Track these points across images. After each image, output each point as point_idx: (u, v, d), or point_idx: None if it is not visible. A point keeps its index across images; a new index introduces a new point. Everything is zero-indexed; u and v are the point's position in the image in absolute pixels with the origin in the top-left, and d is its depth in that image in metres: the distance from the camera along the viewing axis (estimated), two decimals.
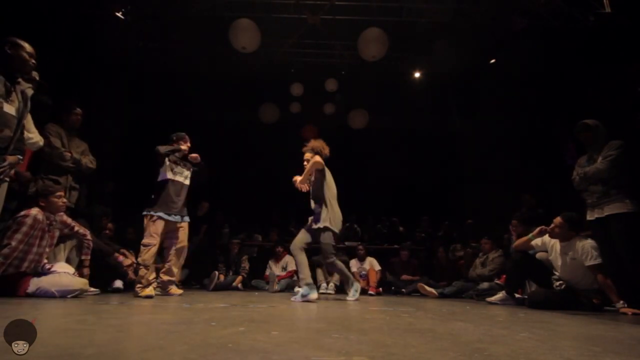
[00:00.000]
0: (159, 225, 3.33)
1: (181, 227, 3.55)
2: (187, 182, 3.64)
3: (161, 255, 3.65)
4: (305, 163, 3.66)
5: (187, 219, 3.62)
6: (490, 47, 6.31)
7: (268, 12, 5.81)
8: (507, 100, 6.37)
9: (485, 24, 5.79)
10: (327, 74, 7.26)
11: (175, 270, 3.56)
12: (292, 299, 3.30)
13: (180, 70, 7.01)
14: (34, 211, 2.86)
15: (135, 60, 6.60)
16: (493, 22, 5.72)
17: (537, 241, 3.35)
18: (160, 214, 3.35)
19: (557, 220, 3.15)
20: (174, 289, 3.52)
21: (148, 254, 3.24)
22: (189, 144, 3.64)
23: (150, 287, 3.21)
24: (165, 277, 3.52)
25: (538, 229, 3.29)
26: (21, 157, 2.42)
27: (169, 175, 3.48)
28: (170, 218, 3.42)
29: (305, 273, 3.33)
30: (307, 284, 3.24)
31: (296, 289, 4.04)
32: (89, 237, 3.34)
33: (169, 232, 3.51)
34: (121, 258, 3.83)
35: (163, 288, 3.51)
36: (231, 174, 7.62)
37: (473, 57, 6.57)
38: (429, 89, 7.38)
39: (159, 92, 7.23)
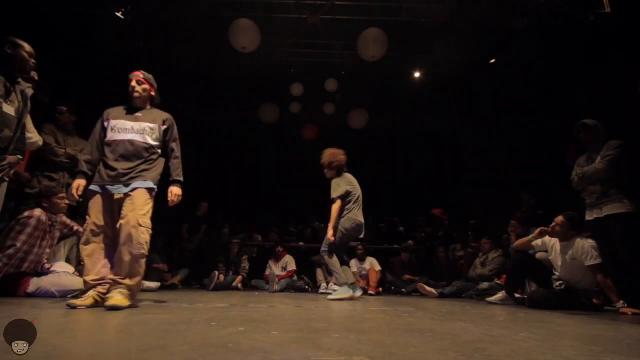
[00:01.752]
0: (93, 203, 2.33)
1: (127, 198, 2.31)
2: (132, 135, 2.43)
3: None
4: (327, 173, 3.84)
5: (138, 184, 2.31)
6: (490, 47, 6.31)
7: (268, 12, 5.81)
8: (507, 100, 6.37)
9: (485, 24, 5.79)
10: (327, 74, 7.27)
11: (126, 266, 2.19)
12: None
13: (180, 70, 7.01)
14: (38, 212, 2.87)
15: (135, 60, 6.60)
16: (493, 22, 5.72)
17: (537, 241, 3.35)
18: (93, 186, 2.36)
19: (559, 218, 3.15)
20: (115, 298, 2.09)
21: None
22: (134, 85, 2.55)
23: (88, 294, 2.18)
24: (109, 277, 2.27)
25: (538, 230, 3.29)
26: (21, 157, 2.42)
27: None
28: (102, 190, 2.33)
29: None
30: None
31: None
32: None
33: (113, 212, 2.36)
34: None
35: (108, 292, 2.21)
36: (231, 174, 7.63)
37: (473, 57, 6.57)
38: (429, 89, 7.38)
39: (159, 92, 7.23)
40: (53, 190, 3.09)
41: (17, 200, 3.22)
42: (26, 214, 2.84)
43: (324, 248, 3.61)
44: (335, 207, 3.59)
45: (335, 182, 3.70)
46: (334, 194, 3.64)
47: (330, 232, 3.56)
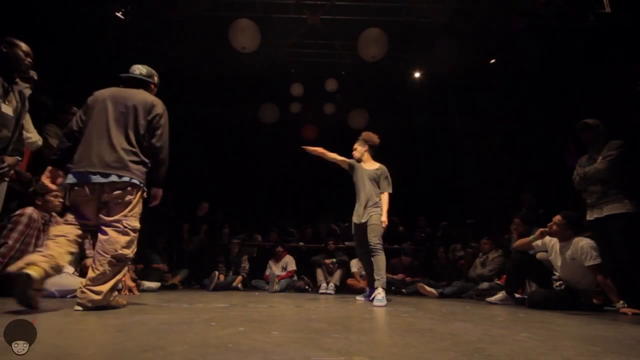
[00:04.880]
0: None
1: None
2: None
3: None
4: (354, 152, 3.77)
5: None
6: (490, 47, 6.31)
7: (268, 12, 5.80)
8: (507, 100, 6.37)
9: (485, 24, 5.79)
10: (327, 74, 7.26)
11: None
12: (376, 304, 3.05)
13: (180, 70, 7.01)
14: (29, 210, 2.87)
15: (135, 60, 6.59)
16: (493, 22, 5.72)
17: (537, 242, 3.35)
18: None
19: (557, 218, 3.15)
20: None
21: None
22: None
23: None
24: None
25: (539, 231, 3.29)
26: (20, 158, 2.42)
27: None
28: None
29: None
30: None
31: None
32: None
33: None
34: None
35: None
36: (231, 174, 7.63)
37: (473, 57, 6.57)
38: (429, 89, 7.37)
39: (158, 92, 7.21)
40: (47, 188, 3.08)
41: (20, 201, 3.21)
42: (18, 211, 2.84)
43: (379, 244, 3.37)
44: (388, 198, 3.57)
45: (387, 174, 3.66)
46: (391, 188, 3.62)
47: (385, 219, 3.44)
